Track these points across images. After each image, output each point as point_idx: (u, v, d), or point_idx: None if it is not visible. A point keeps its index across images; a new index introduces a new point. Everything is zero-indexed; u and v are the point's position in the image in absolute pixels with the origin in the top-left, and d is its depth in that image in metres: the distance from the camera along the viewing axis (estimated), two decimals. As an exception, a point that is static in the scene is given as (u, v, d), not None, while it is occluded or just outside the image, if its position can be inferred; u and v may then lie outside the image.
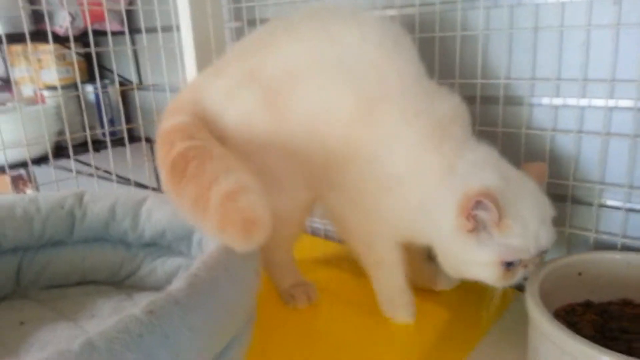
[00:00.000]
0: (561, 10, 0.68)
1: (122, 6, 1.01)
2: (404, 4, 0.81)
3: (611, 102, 0.67)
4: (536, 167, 0.64)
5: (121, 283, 0.79)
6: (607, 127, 0.68)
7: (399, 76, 0.64)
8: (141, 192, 0.79)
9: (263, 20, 0.99)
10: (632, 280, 0.66)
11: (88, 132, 0.99)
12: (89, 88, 1.28)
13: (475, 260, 0.60)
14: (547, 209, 0.60)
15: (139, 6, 1.02)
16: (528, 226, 0.58)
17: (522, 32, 0.72)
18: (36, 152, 1.08)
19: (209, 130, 0.65)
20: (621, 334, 0.61)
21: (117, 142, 1.11)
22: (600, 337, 0.60)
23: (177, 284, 0.50)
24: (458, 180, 0.60)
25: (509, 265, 0.59)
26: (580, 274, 0.66)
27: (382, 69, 0.64)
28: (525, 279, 0.61)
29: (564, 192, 0.73)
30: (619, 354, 0.48)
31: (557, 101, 0.71)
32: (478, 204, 0.57)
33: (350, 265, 0.76)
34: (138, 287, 0.78)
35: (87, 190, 0.79)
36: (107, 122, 1.24)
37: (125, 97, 1.34)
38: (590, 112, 0.69)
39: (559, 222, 0.73)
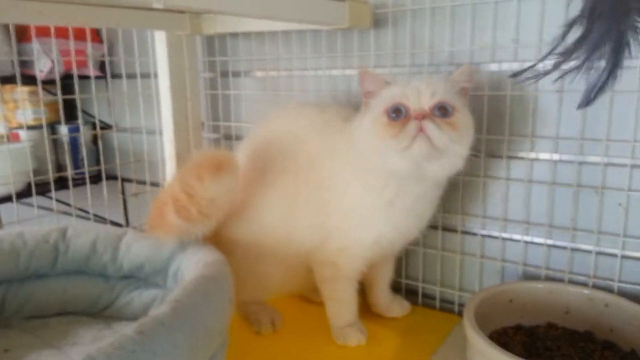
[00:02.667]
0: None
1: (106, 57, 1.10)
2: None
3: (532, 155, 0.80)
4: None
5: (99, 314, 0.83)
6: (529, 176, 0.80)
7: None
8: (120, 228, 0.86)
9: (235, 73, 1.09)
10: (555, 306, 0.77)
11: (70, 172, 1.05)
12: (63, 129, 1.34)
13: (365, 124, 0.70)
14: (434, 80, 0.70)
15: (121, 57, 1.11)
16: (409, 80, 0.69)
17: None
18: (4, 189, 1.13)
19: None
20: (545, 351, 0.71)
21: (84, 180, 1.17)
22: (528, 354, 0.70)
23: (162, 309, 0.57)
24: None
25: (394, 115, 0.66)
26: (511, 301, 0.77)
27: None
28: (462, 306, 0.71)
29: (498, 232, 0.85)
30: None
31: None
32: (361, 77, 0.71)
33: (315, 295, 0.84)
34: (115, 317, 0.83)
35: (70, 225, 0.85)
36: (80, 162, 1.30)
37: (95, 139, 1.40)
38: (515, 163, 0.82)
39: (493, 255, 0.84)
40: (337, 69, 0.95)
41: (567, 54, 0.50)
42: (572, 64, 0.50)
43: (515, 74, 0.55)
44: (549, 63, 0.52)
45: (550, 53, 0.52)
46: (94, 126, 1.36)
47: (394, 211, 0.73)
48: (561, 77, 0.50)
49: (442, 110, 0.65)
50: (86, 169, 1.10)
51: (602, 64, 0.50)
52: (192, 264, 0.73)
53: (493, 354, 0.62)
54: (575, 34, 0.50)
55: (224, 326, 0.65)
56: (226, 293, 0.67)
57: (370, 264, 0.81)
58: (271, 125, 0.86)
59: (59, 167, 1.34)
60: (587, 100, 0.54)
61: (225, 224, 0.83)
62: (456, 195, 0.87)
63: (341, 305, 0.81)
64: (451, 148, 0.65)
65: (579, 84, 0.72)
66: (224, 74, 1.11)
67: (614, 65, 0.50)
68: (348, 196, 0.75)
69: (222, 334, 0.64)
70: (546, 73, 0.51)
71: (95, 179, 1.18)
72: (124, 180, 1.26)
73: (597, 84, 0.51)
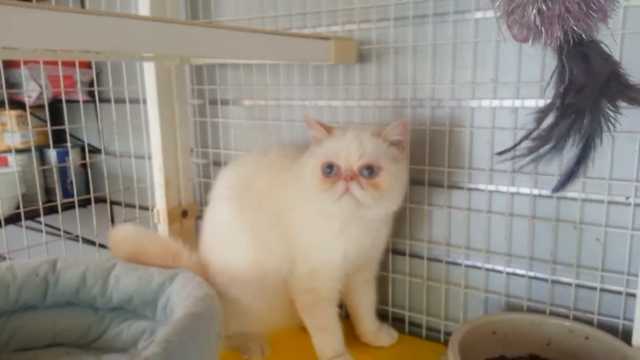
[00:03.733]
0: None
1: (95, 82, 1.10)
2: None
3: (513, 189, 0.82)
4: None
5: (89, 345, 0.84)
6: (510, 209, 0.83)
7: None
8: (110, 259, 0.86)
9: (223, 101, 1.11)
10: (537, 337, 0.78)
11: (59, 196, 1.05)
12: (52, 153, 1.34)
13: (307, 170, 0.77)
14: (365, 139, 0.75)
15: (110, 86, 1.12)
16: (344, 137, 0.75)
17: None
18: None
19: None
20: (526, 383, 0.73)
21: (73, 203, 1.16)
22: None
23: (153, 349, 0.58)
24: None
25: (328, 171, 0.74)
26: (494, 332, 0.79)
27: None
28: (448, 334, 0.72)
29: (481, 264, 0.87)
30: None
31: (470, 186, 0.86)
32: (308, 124, 0.79)
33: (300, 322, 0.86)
34: (105, 349, 0.83)
35: (59, 257, 0.85)
36: (68, 186, 1.30)
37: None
38: (497, 196, 0.84)
39: (477, 285, 0.86)
40: (324, 100, 0.97)
41: (539, 140, 0.52)
42: (544, 148, 0.51)
43: (500, 153, 0.58)
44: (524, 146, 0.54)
45: (525, 138, 0.54)
46: (82, 149, 1.37)
47: (349, 235, 0.79)
48: (534, 161, 0.52)
49: (369, 170, 0.74)
50: (75, 194, 1.10)
51: (573, 152, 0.52)
52: (182, 299, 0.74)
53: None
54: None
55: (213, 362, 0.66)
56: (215, 330, 0.68)
57: (346, 282, 0.84)
58: (224, 176, 0.91)
59: (48, 190, 1.34)
60: (559, 188, 0.56)
61: (208, 262, 0.87)
62: (442, 227, 0.89)
63: (326, 333, 0.83)
64: (374, 205, 0.74)
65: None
66: (213, 102, 1.13)
67: (581, 157, 0.52)
68: (304, 221, 0.80)
69: (211, 371, 0.65)
70: (522, 156, 0.53)
71: (85, 202, 1.18)
72: (112, 203, 1.26)
73: (567, 173, 0.53)
